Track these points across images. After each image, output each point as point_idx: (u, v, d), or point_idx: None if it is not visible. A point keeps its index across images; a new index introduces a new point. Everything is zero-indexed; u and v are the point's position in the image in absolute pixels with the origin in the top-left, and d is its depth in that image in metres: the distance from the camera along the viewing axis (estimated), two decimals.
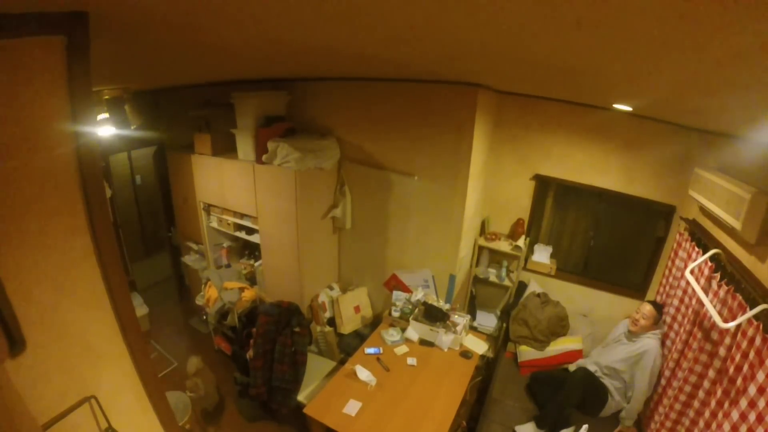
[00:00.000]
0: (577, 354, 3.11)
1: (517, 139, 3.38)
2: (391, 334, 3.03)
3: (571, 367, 3.00)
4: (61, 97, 1.09)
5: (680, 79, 1.21)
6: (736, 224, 1.86)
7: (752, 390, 1.55)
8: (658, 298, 2.88)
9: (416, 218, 3.35)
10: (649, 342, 2.59)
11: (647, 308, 2.65)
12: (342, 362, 3.18)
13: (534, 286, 3.54)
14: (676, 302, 2.55)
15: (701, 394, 2.02)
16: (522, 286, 3.65)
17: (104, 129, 2.89)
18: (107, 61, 1.78)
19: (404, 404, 2.47)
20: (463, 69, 2.12)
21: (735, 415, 1.61)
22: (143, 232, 5.05)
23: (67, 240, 1.18)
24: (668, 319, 2.62)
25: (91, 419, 1.30)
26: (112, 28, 1.19)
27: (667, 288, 2.78)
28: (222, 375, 3.61)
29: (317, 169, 3.19)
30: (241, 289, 3.55)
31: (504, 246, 3.48)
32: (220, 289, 3.57)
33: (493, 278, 3.63)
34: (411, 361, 2.82)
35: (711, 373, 1.97)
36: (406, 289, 3.53)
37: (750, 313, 1.66)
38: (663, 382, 2.48)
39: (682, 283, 2.48)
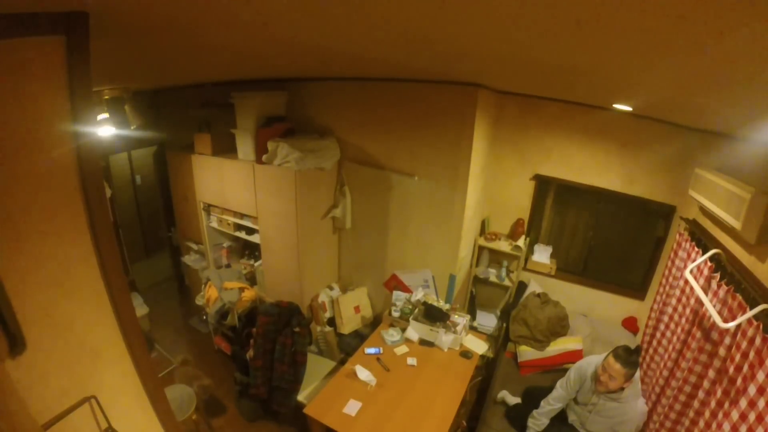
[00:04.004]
0: (577, 354, 3.10)
1: (517, 139, 3.39)
2: (391, 334, 3.03)
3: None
4: (61, 97, 1.09)
5: (680, 78, 1.21)
6: (736, 224, 1.86)
7: (752, 390, 1.54)
8: (658, 298, 2.87)
9: (416, 218, 3.35)
10: (624, 409, 2.16)
11: (616, 367, 2.08)
12: (342, 362, 3.18)
13: (534, 286, 3.54)
14: (675, 302, 2.54)
15: (701, 394, 2.02)
16: (522, 286, 3.65)
17: (104, 129, 2.89)
18: (107, 61, 1.78)
19: (404, 404, 2.47)
20: (463, 69, 2.12)
21: (735, 415, 1.61)
22: (143, 232, 5.05)
23: (67, 240, 1.18)
24: (666, 319, 2.62)
25: (91, 419, 1.30)
26: (112, 28, 1.19)
27: (667, 288, 2.77)
28: (222, 375, 3.61)
29: (317, 169, 3.19)
30: (241, 289, 3.55)
31: (504, 246, 3.49)
32: (220, 289, 3.57)
33: (493, 278, 3.63)
34: (411, 361, 2.82)
35: (711, 373, 1.96)
36: (406, 289, 3.53)
37: (750, 313, 1.66)
38: (661, 382, 2.48)
39: (682, 283, 2.47)
